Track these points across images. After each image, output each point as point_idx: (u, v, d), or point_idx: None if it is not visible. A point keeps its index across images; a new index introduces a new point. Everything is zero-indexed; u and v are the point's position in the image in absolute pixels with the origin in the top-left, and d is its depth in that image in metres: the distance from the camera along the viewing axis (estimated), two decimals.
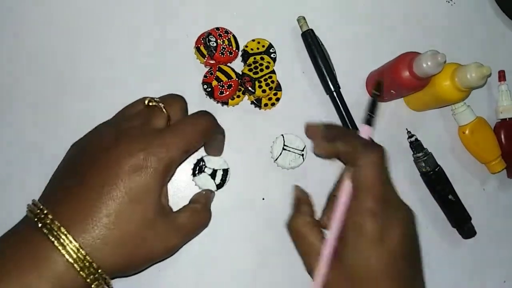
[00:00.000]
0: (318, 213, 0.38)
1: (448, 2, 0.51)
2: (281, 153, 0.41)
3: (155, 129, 0.32)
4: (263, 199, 0.43)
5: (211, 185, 0.40)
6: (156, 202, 0.30)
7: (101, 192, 0.28)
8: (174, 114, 0.34)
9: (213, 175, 0.40)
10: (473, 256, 0.47)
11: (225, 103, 0.43)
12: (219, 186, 0.41)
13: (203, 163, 0.41)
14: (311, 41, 0.45)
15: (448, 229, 0.46)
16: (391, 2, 0.49)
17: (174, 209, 0.34)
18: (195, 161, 0.41)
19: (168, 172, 0.31)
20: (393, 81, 0.41)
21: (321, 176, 0.43)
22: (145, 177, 0.29)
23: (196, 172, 0.41)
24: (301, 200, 0.37)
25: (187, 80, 0.43)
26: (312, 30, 0.45)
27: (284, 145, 0.41)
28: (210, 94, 0.42)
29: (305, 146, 0.42)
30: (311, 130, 0.38)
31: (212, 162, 0.41)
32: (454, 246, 0.46)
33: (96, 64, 0.43)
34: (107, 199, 0.28)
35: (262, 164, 0.43)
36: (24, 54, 0.42)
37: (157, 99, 0.34)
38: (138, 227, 0.29)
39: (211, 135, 0.35)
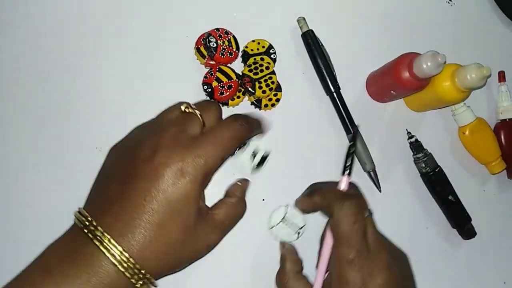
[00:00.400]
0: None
1: (448, 2, 0.51)
2: (278, 224, 0.41)
3: (191, 137, 0.32)
4: (263, 200, 0.43)
5: (248, 166, 0.41)
6: (195, 209, 0.31)
7: (143, 205, 0.30)
8: (209, 121, 0.34)
9: (253, 156, 0.41)
10: (473, 257, 0.47)
11: (225, 103, 0.43)
12: (255, 169, 0.42)
13: (247, 143, 0.42)
14: (311, 41, 0.45)
15: (448, 229, 0.46)
16: (391, 3, 0.49)
17: (210, 201, 0.35)
18: None
19: (205, 180, 0.32)
20: (393, 81, 0.41)
21: None
22: (184, 187, 0.30)
23: (237, 150, 0.41)
24: (286, 257, 0.38)
25: (187, 81, 0.43)
26: (312, 30, 0.45)
27: (285, 217, 0.41)
28: (210, 94, 0.42)
29: (304, 225, 0.41)
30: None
31: (255, 145, 0.42)
32: (454, 246, 0.46)
33: (97, 65, 0.43)
34: (149, 211, 0.30)
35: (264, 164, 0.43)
36: (32, 61, 0.42)
37: (193, 106, 0.34)
38: (180, 235, 0.31)
39: (246, 139, 0.36)
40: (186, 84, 0.43)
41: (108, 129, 0.39)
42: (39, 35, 0.42)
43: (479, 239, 0.46)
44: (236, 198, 0.37)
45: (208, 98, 0.42)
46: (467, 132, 0.46)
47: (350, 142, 0.38)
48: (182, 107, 0.34)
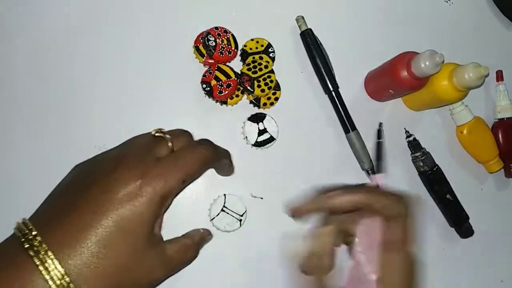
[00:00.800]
0: None
1: (446, 2, 0.51)
2: (218, 214, 0.40)
3: (156, 159, 0.31)
4: (262, 198, 0.43)
5: (253, 137, 0.42)
6: (148, 233, 0.30)
7: (92, 219, 0.28)
8: (178, 147, 0.34)
9: (261, 132, 0.42)
10: (470, 255, 0.47)
11: (224, 102, 0.43)
12: (256, 145, 0.42)
13: (263, 119, 0.42)
14: (309, 40, 0.45)
15: (446, 228, 0.46)
16: (390, 2, 0.49)
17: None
18: (256, 113, 0.43)
19: (164, 202, 0.30)
20: (391, 80, 0.41)
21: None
22: (139, 206, 0.29)
23: (253, 120, 0.42)
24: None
25: (186, 80, 0.43)
26: (310, 29, 0.45)
27: (224, 206, 0.41)
28: (209, 93, 0.42)
29: (245, 211, 0.41)
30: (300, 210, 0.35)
31: (270, 126, 0.43)
32: (452, 245, 0.47)
33: (95, 64, 0.43)
34: (98, 226, 0.28)
35: (263, 162, 0.43)
36: (32, 60, 0.42)
37: (164, 131, 0.34)
38: (126, 258, 0.28)
39: (211, 164, 0.35)
40: (185, 83, 0.43)
41: (107, 128, 0.39)
42: (38, 34, 0.42)
43: (476, 237, 0.46)
44: (192, 241, 0.35)
45: (207, 96, 0.43)
46: (465, 131, 0.47)
47: (377, 138, 0.38)
48: (153, 132, 0.33)
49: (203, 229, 0.38)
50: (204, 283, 0.40)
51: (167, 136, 0.33)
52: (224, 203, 0.41)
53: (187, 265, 0.35)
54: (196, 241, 0.36)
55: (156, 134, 0.33)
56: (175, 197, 0.32)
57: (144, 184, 0.29)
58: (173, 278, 0.33)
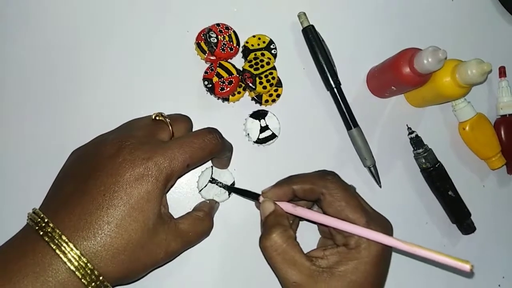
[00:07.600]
0: None
1: None
2: (206, 185, 0.40)
3: (159, 141, 0.32)
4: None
5: (254, 134, 0.42)
6: (157, 210, 0.30)
7: (102, 200, 0.29)
8: (179, 132, 0.34)
9: (263, 129, 0.42)
10: (472, 252, 0.47)
11: (226, 99, 0.43)
12: (258, 142, 0.42)
13: (265, 116, 0.42)
14: (311, 37, 0.44)
15: (448, 225, 0.46)
16: None
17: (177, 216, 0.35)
18: (258, 110, 0.43)
19: (168, 182, 0.31)
20: (393, 77, 0.41)
21: None
22: (146, 185, 0.30)
23: (255, 117, 0.42)
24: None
25: (187, 76, 0.43)
26: (312, 26, 0.45)
27: (211, 177, 0.41)
28: (211, 90, 0.42)
29: (233, 182, 0.41)
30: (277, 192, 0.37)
31: (272, 123, 0.43)
32: (454, 242, 0.47)
33: (97, 61, 0.43)
34: (108, 206, 0.29)
35: (264, 160, 0.43)
36: (33, 57, 0.42)
37: (164, 115, 0.34)
38: (139, 235, 0.29)
39: (216, 154, 0.35)
40: (187, 80, 0.43)
41: (108, 125, 0.38)
42: (40, 32, 0.42)
43: (478, 234, 0.46)
44: (203, 212, 0.36)
45: (208, 93, 0.42)
46: (467, 128, 0.46)
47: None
48: (153, 116, 0.34)
49: (208, 200, 0.40)
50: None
51: (167, 119, 0.34)
52: (212, 174, 0.41)
53: (205, 236, 0.36)
54: (207, 211, 0.37)
55: (157, 118, 0.34)
56: (177, 179, 0.33)
57: (150, 165, 0.30)
58: None
